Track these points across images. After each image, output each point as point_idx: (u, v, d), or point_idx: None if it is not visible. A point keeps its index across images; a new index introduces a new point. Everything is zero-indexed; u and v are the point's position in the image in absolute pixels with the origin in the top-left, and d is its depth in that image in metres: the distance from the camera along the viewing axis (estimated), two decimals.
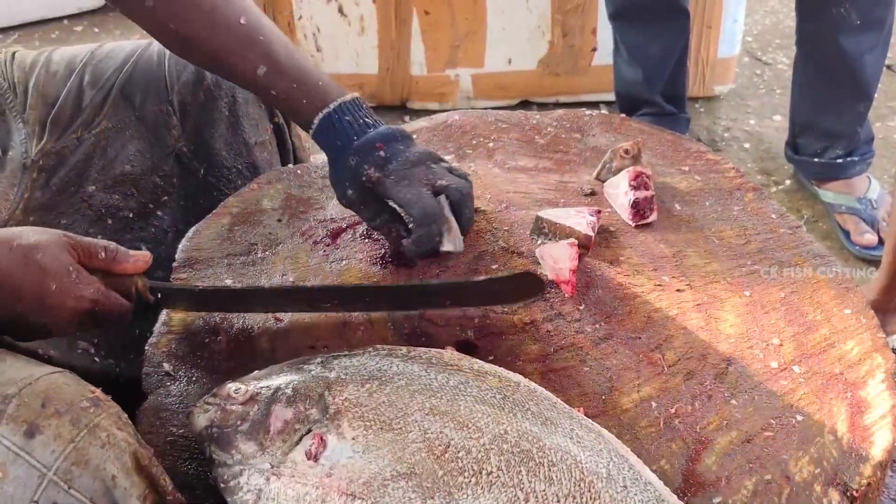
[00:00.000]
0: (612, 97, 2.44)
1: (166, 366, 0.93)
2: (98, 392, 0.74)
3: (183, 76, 1.22)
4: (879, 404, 0.87)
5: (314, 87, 1.00)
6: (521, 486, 0.71)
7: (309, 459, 0.73)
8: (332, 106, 0.99)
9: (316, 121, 0.99)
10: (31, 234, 0.84)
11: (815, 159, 2.12)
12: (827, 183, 2.12)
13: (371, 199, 0.98)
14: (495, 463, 0.72)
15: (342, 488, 0.71)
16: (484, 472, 0.71)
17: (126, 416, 0.75)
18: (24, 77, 1.22)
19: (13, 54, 1.25)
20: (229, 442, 0.77)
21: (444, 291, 0.96)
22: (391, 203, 0.97)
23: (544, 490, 0.70)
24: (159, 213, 1.25)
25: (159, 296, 0.94)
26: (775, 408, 0.87)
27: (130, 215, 1.23)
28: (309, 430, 0.75)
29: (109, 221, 1.22)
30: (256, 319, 0.98)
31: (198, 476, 0.83)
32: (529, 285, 0.94)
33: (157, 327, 0.98)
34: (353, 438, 0.74)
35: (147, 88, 1.22)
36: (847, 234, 2.03)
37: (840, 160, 2.07)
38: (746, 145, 2.43)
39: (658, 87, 2.22)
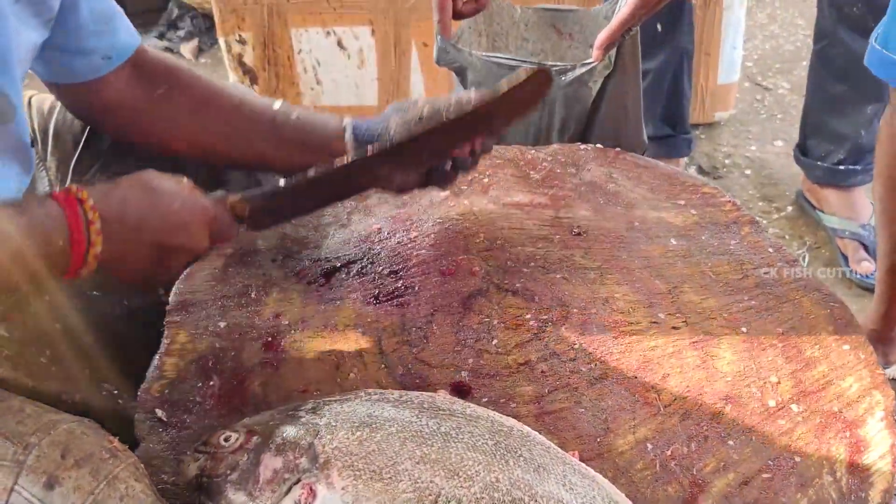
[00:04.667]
0: None
1: (159, 412, 0.93)
2: (116, 442, 0.75)
3: None
4: (879, 443, 0.86)
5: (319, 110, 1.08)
6: None
7: None
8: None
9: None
10: (133, 174, 0.90)
11: (819, 162, 2.11)
12: (827, 189, 2.11)
13: None
14: None
15: None
16: None
17: (143, 466, 0.75)
18: (43, 123, 1.23)
19: (30, 99, 1.26)
20: (219, 491, 0.76)
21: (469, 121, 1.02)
22: None
23: None
24: None
25: (249, 209, 0.99)
26: (773, 448, 0.86)
27: None
28: (298, 480, 0.74)
29: None
30: (249, 363, 0.97)
31: None
32: (541, 83, 1.02)
33: (150, 372, 0.98)
34: (343, 488, 0.73)
35: None
36: (847, 258, 2.02)
37: (842, 167, 2.07)
38: (748, 172, 2.43)
39: (657, 107, 2.22)
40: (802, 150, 2.17)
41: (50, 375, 0.97)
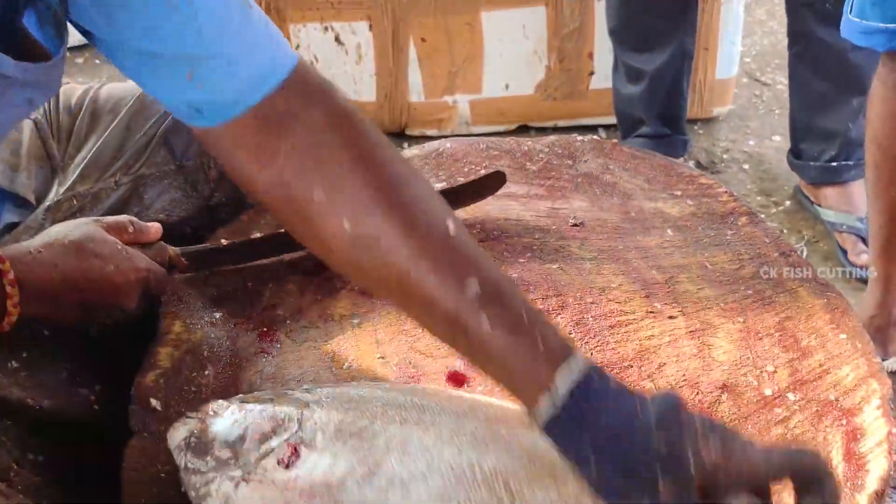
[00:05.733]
0: (610, 121, 2.44)
1: (153, 401, 0.92)
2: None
3: None
4: (875, 431, 0.86)
5: (545, 323, 0.71)
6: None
7: (280, 466, 0.74)
8: (579, 355, 0.69)
9: (568, 370, 0.67)
10: (70, 230, 0.92)
11: (812, 163, 2.12)
12: (824, 188, 2.11)
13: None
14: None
15: (306, 492, 0.72)
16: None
17: None
18: (69, 123, 1.19)
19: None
20: (205, 450, 0.77)
21: None
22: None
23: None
24: None
25: (186, 260, 1.04)
26: (770, 437, 0.86)
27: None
28: (284, 441, 0.75)
29: None
30: (244, 352, 0.97)
31: None
32: (495, 182, 1.14)
33: (145, 362, 0.97)
34: (326, 450, 0.74)
35: (189, 139, 1.20)
36: (845, 252, 2.02)
37: (835, 163, 2.08)
38: (746, 166, 2.43)
39: (655, 106, 2.22)
40: (795, 154, 2.18)
41: (17, 381, 0.95)
